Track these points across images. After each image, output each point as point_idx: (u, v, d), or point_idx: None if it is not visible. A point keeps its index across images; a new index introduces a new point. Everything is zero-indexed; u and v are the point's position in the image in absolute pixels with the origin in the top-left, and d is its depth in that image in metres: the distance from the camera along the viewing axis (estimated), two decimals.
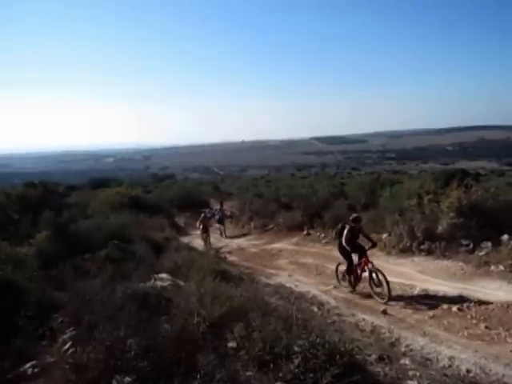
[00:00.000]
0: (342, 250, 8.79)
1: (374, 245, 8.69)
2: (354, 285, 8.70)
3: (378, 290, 8.05)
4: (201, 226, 16.91)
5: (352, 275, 8.67)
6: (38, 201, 16.10)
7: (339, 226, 8.99)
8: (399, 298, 7.97)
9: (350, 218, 8.76)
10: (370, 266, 8.24)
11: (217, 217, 19.66)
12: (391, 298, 7.79)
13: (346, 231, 8.63)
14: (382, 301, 7.78)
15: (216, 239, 17.57)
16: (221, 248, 13.29)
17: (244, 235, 18.85)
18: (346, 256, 8.72)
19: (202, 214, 17.68)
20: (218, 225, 19.63)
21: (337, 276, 9.32)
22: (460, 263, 9.24)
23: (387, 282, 7.78)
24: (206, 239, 16.53)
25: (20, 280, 5.77)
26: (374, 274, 8.13)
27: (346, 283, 8.92)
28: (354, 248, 8.56)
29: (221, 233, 19.44)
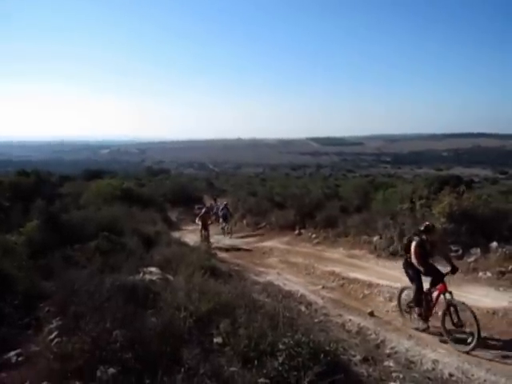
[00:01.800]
0: (408, 269, 6.79)
1: (454, 269, 6.45)
2: (425, 318, 6.58)
3: (456, 330, 6.07)
4: (200, 222, 15.70)
5: (421, 306, 6.57)
6: (30, 189, 16.01)
7: (406, 239, 7.00)
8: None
9: (421, 228, 6.67)
10: (448, 296, 6.15)
11: (220, 213, 18.04)
12: (479, 344, 5.71)
13: (414, 245, 6.53)
14: (465, 348, 5.73)
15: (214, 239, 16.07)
16: (211, 244, 13.29)
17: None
18: (414, 278, 6.64)
19: (203, 209, 16.33)
20: (221, 221, 18.03)
21: (399, 306, 7.23)
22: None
23: (477, 321, 5.69)
24: (205, 237, 15.21)
25: (8, 268, 5.74)
26: (452, 309, 6.08)
27: (411, 315, 6.90)
28: (428, 270, 6.48)
29: (224, 231, 17.76)
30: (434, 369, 5.30)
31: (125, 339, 3.77)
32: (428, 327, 6.56)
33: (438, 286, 6.35)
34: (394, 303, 7.81)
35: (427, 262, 6.53)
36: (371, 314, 7.41)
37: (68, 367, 3.50)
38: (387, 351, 5.83)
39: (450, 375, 5.12)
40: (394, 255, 10.75)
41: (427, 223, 6.73)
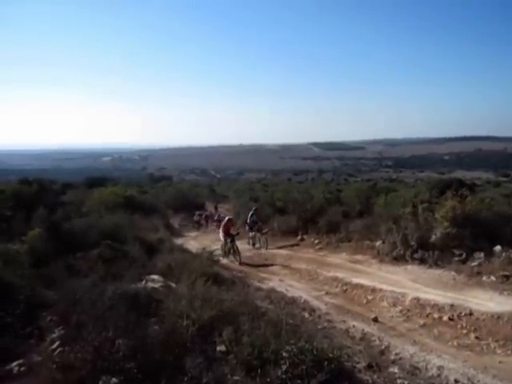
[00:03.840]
0: None
1: None
2: None
3: None
4: (222, 233, 14.04)
5: None
6: (32, 198, 16.01)
7: None
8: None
9: None
10: None
11: (249, 221, 16.02)
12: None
13: None
14: None
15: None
16: (213, 251, 13.21)
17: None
18: None
19: (227, 217, 14.60)
20: (249, 233, 16.05)
21: None
22: (452, 273, 9.23)
23: None
24: (228, 250, 13.68)
25: (10, 277, 5.73)
26: None
27: None
28: None
29: (255, 241, 15.77)
30: (439, 375, 5.23)
31: (127, 348, 3.75)
32: None
33: None
34: (398, 308, 7.77)
35: None
36: (375, 320, 7.35)
37: (70, 377, 3.49)
38: (392, 357, 5.77)
39: (456, 381, 5.06)
40: (397, 260, 10.68)
41: None
